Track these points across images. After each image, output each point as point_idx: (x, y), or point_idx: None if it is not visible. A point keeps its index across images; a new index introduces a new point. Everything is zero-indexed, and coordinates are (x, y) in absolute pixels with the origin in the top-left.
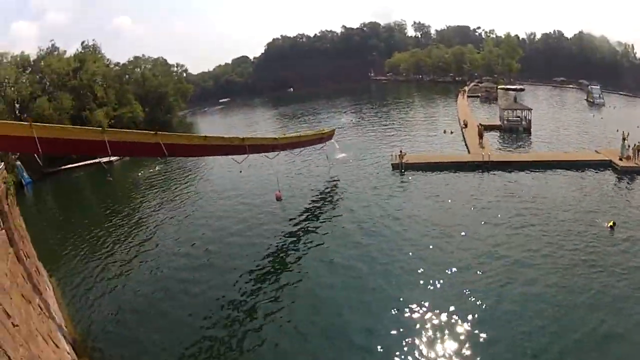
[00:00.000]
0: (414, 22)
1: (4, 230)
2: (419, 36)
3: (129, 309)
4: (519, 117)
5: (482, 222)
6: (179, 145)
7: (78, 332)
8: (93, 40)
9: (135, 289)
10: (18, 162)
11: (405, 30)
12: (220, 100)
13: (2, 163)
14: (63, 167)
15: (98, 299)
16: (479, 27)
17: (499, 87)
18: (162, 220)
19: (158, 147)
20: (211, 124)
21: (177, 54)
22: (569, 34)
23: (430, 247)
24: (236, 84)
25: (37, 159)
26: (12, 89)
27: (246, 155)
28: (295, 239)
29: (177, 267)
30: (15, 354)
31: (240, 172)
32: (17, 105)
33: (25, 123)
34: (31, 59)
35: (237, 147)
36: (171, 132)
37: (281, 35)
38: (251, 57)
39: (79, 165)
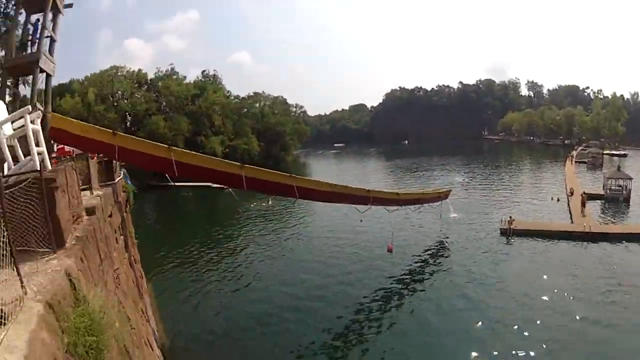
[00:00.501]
0: (527, 81)
1: (122, 237)
2: (532, 95)
3: (218, 331)
4: (620, 186)
5: (575, 294)
6: (310, 190)
7: (168, 338)
8: (214, 70)
9: (229, 314)
10: (123, 170)
11: (519, 89)
12: (335, 145)
13: (123, 171)
14: (171, 183)
15: (189, 312)
16: (587, 87)
17: (604, 152)
18: (270, 255)
19: (291, 188)
20: (325, 168)
21: (295, 93)
22: None
23: (528, 312)
24: (352, 130)
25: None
26: (126, 101)
27: (369, 206)
28: (403, 291)
29: (278, 305)
30: (134, 358)
31: (361, 221)
32: (129, 118)
33: (165, 145)
34: (148, 78)
35: (362, 197)
36: (285, 169)
37: (399, 87)
38: (368, 105)
39: (188, 185)
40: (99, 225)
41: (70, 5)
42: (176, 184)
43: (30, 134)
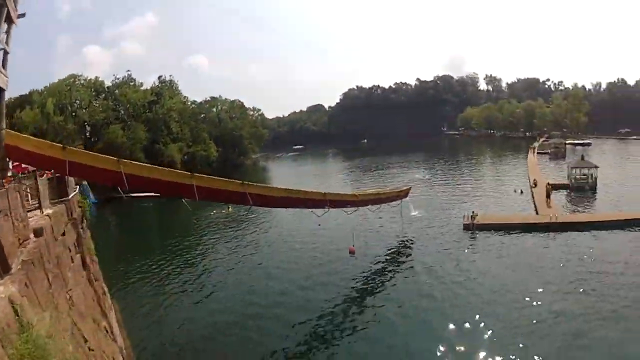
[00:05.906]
0: (486, 75)
1: (79, 255)
2: (491, 89)
3: (183, 343)
4: (585, 175)
5: (544, 286)
6: (264, 196)
7: (134, 355)
8: (170, 75)
9: (192, 325)
10: (85, 182)
11: (478, 83)
12: (294, 147)
13: (78, 187)
14: (123, 195)
15: (155, 326)
16: (547, 80)
17: (567, 142)
18: (230, 264)
19: (244, 196)
20: (285, 171)
21: (252, 96)
22: (631, 80)
23: (496, 307)
24: (310, 131)
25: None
26: (84, 110)
27: (327, 209)
28: (366, 293)
29: (240, 313)
30: None
31: (319, 225)
32: (88, 128)
33: (114, 158)
34: (106, 86)
35: (318, 201)
36: (243, 174)
37: (357, 86)
38: (326, 106)
39: (147, 196)
40: (48, 246)
41: (23, 15)
42: (131, 194)
43: None
